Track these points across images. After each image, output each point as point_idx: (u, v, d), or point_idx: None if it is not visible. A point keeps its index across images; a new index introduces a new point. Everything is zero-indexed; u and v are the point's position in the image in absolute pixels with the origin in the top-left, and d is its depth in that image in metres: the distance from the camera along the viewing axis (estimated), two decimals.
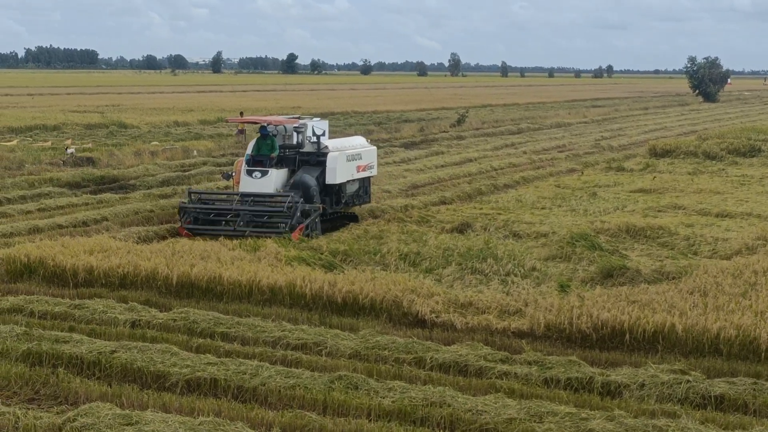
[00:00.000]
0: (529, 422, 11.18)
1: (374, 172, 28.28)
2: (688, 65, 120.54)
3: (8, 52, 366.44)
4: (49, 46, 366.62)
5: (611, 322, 14.79)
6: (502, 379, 12.97)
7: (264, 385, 12.39)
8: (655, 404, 12.14)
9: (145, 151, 42.49)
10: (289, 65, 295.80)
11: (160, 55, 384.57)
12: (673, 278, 18.63)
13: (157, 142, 47.70)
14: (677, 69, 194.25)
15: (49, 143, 44.78)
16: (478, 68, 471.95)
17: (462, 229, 24.66)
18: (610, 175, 37.71)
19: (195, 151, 43.57)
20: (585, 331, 14.85)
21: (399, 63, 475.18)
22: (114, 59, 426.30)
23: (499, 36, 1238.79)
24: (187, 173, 36.08)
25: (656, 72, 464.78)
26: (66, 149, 39.98)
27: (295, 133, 26.69)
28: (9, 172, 34.79)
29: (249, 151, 26.32)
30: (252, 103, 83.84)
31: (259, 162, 25.75)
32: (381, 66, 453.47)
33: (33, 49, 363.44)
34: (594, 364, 13.71)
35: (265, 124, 26.46)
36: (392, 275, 18.17)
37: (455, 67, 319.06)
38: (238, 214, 24.22)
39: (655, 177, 36.33)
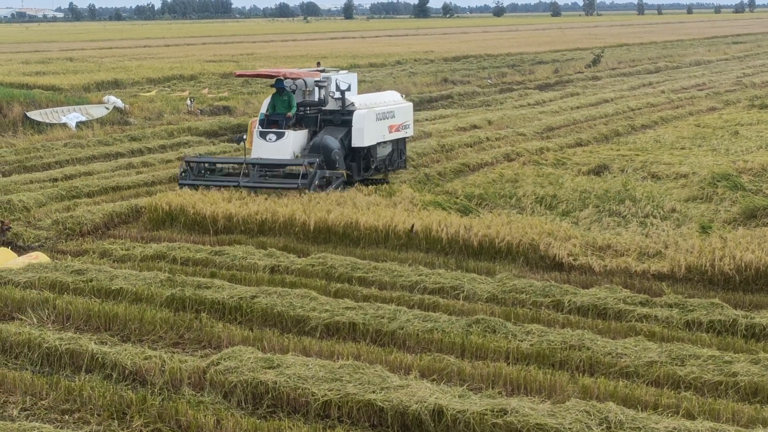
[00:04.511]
0: (670, 365, 11.01)
1: (410, 132, 24.74)
2: None
3: (145, 4, 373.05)
4: None
5: (755, 264, 14.43)
6: (642, 322, 12.79)
7: (402, 329, 12.45)
8: None
9: None
10: (421, 9, 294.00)
11: (292, 2, 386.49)
12: None
13: None
14: None
15: (186, 93, 45.55)
16: (613, 7, 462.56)
17: (599, 171, 24.32)
18: (753, 113, 36.57)
19: None
20: (727, 273, 14.52)
21: (532, 4, 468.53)
22: (247, 8, 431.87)
23: None
24: None
25: None
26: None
27: (316, 89, 23.39)
28: (149, 122, 35.56)
29: (263, 109, 23.14)
30: (384, 48, 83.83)
31: (274, 122, 22.53)
32: (513, 7, 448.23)
33: (169, 0, 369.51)
34: (737, 307, 13.40)
35: (282, 78, 23.17)
36: (528, 218, 18.02)
37: (590, 6, 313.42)
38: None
39: None
